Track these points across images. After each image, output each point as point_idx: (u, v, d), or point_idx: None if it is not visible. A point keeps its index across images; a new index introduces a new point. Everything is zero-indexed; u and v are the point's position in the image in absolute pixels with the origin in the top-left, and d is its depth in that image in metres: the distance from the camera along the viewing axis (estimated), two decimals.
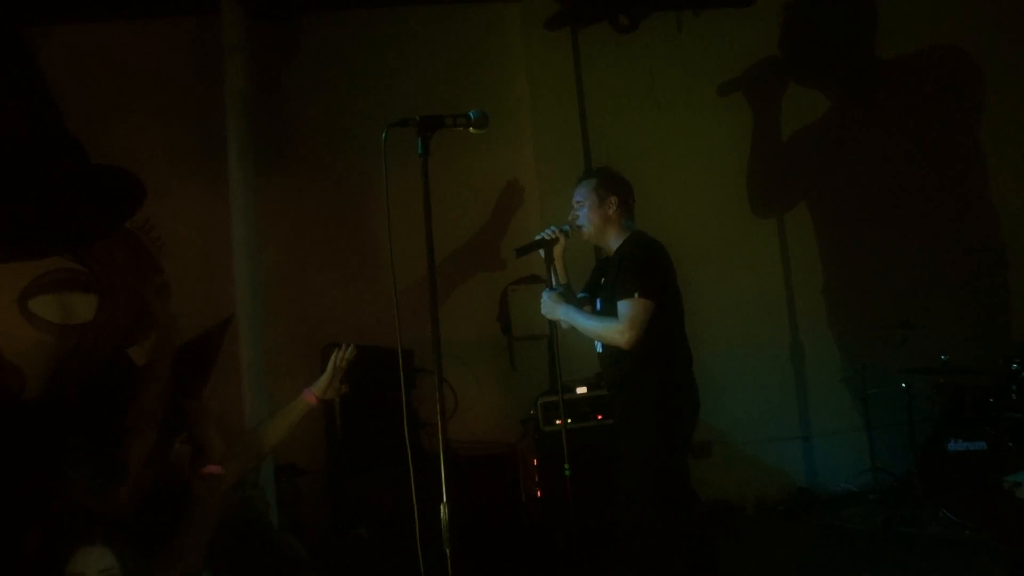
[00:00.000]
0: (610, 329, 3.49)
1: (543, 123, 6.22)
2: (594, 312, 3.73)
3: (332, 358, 3.55)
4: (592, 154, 6.20)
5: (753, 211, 6.57)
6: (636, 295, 3.44)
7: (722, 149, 6.55)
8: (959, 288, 6.69)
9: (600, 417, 5.30)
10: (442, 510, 2.51)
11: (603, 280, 3.77)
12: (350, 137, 5.91)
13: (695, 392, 3.61)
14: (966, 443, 5.18)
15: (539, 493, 5.31)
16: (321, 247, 6.00)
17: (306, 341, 5.54)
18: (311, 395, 3.47)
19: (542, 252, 3.74)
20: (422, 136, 2.66)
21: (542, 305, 3.72)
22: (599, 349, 3.71)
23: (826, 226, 6.70)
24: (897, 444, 5.83)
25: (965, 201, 6.84)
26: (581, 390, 5.43)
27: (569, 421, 5.22)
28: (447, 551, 2.51)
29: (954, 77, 6.84)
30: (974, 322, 6.56)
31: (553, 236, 3.70)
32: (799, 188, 6.69)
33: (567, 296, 3.76)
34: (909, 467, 5.69)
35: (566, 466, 3.60)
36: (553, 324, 3.80)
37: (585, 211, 3.73)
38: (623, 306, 3.47)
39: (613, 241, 3.72)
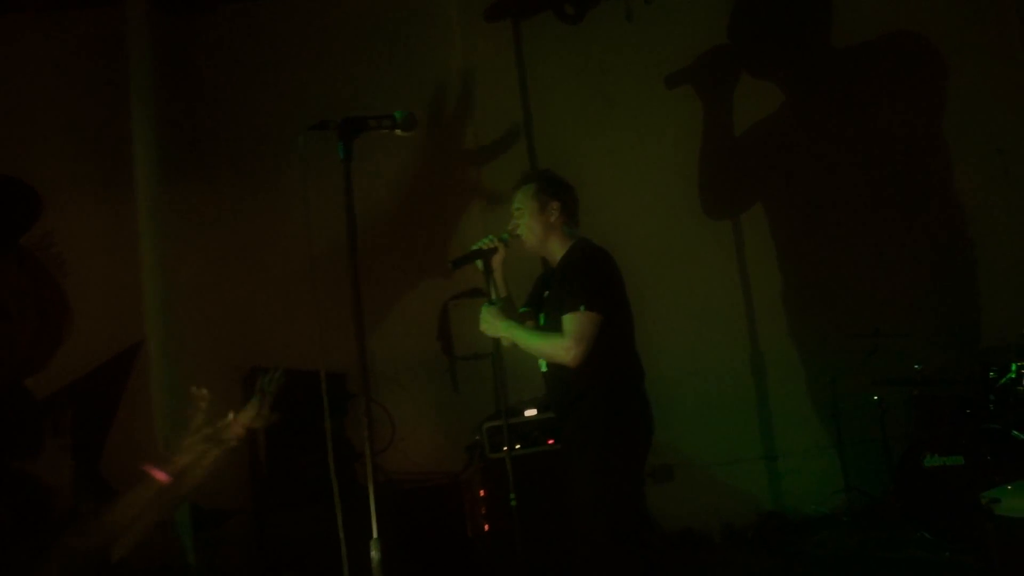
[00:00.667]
0: (555, 345, 3.53)
1: (484, 121, 6.27)
2: (537, 327, 3.78)
3: (258, 383, 3.57)
4: (537, 153, 6.26)
5: (705, 212, 6.63)
6: (582, 308, 3.48)
7: (676, 146, 6.62)
8: (932, 291, 6.77)
9: (551, 442, 5.28)
10: (372, 548, 2.52)
11: (546, 293, 3.81)
12: (269, 140, 5.88)
13: (649, 411, 3.64)
14: (943, 458, 5.25)
15: (486, 527, 5.30)
16: (240, 261, 5.95)
17: (227, 366, 5.40)
18: (237, 425, 3.48)
19: (480, 264, 3.78)
20: (344, 140, 2.70)
21: (481, 321, 3.74)
22: (543, 368, 3.74)
23: (785, 227, 6.76)
24: (871, 462, 5.93)
25: (931, 197, 6.91)
26: (530, 412, 5.39)
27: (518, 447, 5.25)
28: None
29: (916, 65, 6.92)
30: (948, 327, 6.64)
31: (491, 246, 3.74)
32: (754, 187, 6.76)
33: (508, 310, 3.79)
34: (884, 486, 5.78)
35: (512, 496, 3.60)
36: (496, 342, 3.80)
37: (525, 220, 3.77)
38: (568, 320, 3.50)
39: (556, 250, 3.77)
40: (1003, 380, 5.34)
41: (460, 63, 6.31)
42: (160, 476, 2.69)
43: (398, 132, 2.84)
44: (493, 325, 3.72)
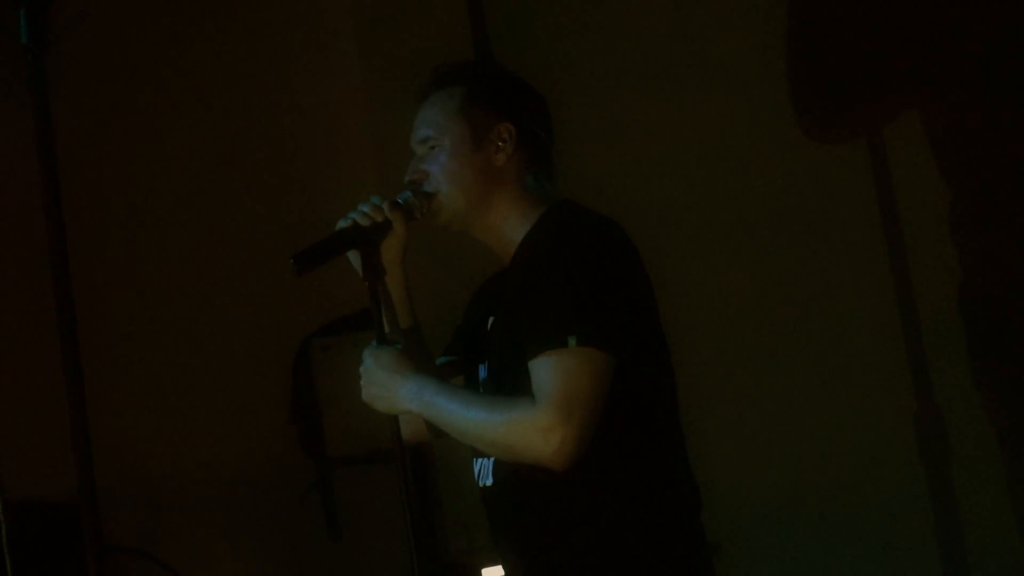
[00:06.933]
0: (517, 423, 3.36)
1: None
2: (477, 388, 3.69)
3: None
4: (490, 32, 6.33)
5: (805, 131, 6.62)
6: (571, 342, 3.29)
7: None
8: None
9: None
10: None
11: (493, 319, 3.70)
12: None
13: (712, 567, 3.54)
14: None
15: None
16: None
17: None
18: None
19: (356, 260, 3.67)
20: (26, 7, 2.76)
21: (365, 380, 3.63)
22: (487, 481, 3.63)
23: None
24: None
25: None
26: (492, 572, 5.56)
27: None
28: None
29: None
30: None
31: (377, 219, 3.60)
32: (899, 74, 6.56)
33: (418, 357, 3.69)
34: None
35: None
36: (397, 424, 3.72)
37: (443, 160, 3.66)
38: (543, 369, 3.32)
39: (512, 227, 3.66)
40: None
41: None
42: None
43: None
44: (392, 388, 3.63)
